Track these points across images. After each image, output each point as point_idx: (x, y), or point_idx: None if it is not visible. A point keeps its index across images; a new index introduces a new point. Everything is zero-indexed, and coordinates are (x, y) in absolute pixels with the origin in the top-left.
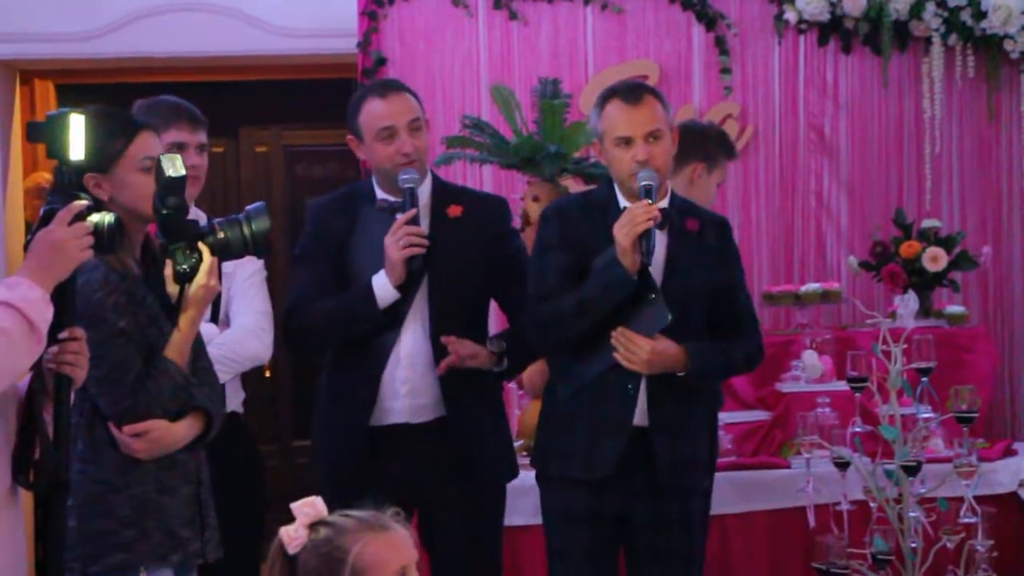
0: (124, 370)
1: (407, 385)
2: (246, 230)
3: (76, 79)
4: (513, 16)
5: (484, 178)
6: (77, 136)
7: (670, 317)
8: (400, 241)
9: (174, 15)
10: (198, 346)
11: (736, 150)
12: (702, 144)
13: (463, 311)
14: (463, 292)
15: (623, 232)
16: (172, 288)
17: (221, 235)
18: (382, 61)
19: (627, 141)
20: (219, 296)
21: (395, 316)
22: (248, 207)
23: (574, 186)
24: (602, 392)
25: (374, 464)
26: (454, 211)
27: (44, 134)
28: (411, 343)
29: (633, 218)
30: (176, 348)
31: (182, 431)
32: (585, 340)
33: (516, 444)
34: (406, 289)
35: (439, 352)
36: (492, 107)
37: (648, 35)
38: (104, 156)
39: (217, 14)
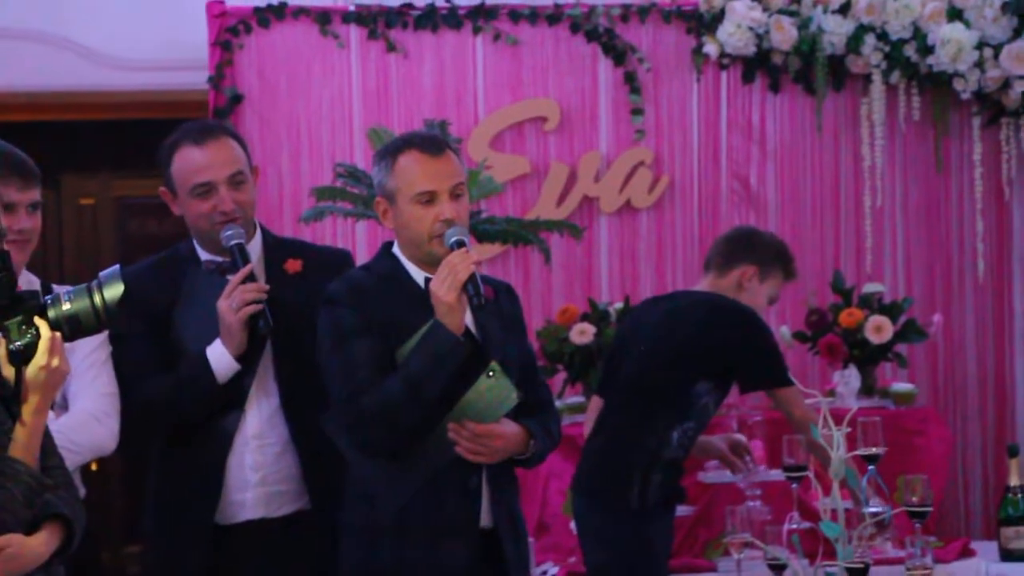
0: None
1: (259, 472)
2: (97, 299)
3: None
4: (391, 48)
5: (358, 239)
6: None
7: (516, 395)
8: (235, 303)
9: None
10: (46, 441)
11: (796, 272)
12: (756, 249)
13: (316, 378)
14: (314, 356)
15: (445, 286)
16: (7, 371)
17: (67, 307)
18: (237, 98)
19: (430, 197)
20: None
21: (237, 392)
22: (101, 272)
23: None
24: (440, 493)
25: (223, 571)
26: (293, 266)
27: None
28: (259, 421)
29: (453, 268)
30: (22, 445)
31: (40, 545)
32: (417, 434)
33: None
34: (248, 359)
35: (294, 428)
36: (368, 153)
37: (547, 70)
38: None
39: (38, 42)
